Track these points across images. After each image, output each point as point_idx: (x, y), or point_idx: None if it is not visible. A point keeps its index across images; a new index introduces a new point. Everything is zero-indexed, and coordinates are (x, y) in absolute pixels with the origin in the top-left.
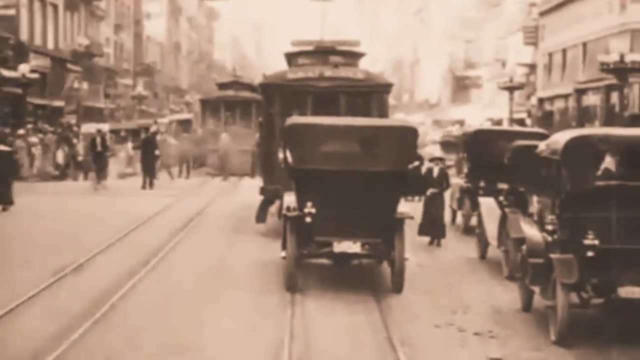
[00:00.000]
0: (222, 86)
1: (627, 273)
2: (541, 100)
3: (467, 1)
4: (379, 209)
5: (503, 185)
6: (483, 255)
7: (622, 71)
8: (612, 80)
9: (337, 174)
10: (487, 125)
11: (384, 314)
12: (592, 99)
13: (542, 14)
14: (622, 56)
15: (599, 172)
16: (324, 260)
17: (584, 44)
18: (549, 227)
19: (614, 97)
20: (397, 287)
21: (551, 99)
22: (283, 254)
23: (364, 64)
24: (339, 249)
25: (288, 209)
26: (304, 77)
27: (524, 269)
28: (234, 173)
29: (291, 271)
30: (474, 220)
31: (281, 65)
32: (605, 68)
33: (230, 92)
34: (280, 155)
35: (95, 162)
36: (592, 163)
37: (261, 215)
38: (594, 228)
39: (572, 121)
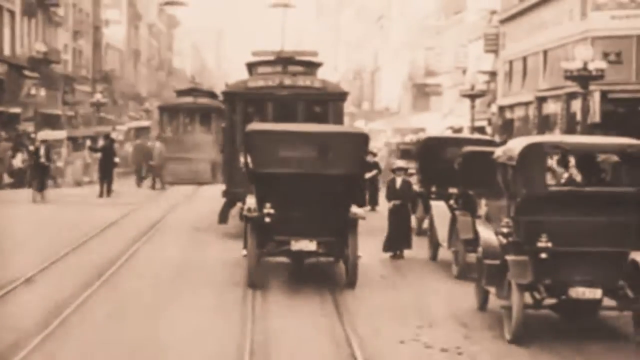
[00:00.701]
0: (180, 93)
1: (578, 275)
2: (502, 108)
3: (428, 9)
4: (333, 210)
5: (453, 190)
6: (434, 257)
7: (585, 78)
8: (573, 88)
9: (294, 177)
10: (439, 133)
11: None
12: (552, 107)
13: (503, 21)
14: (585, 63)
15: (564, 180)
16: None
17: (545, 52)
18: (504, 230)
19: (575, 105)
20: (351, 283)
21: (512, 106)
22: (244, 252)
23: (324, 71)
24: (296, 247)
25: (249, 210)
26: (264, 86)
27: (480, 270)
28: (193, 181)
29: (252, 268)
30: (427, 224)
31: (242, 73)
32: (568, 75)
33: (188, 99)
34: (242, 159)
35: (36, 173)
36: (546, 169)
37: (223, 217)
38: (547, 231)
39: (533, 129)
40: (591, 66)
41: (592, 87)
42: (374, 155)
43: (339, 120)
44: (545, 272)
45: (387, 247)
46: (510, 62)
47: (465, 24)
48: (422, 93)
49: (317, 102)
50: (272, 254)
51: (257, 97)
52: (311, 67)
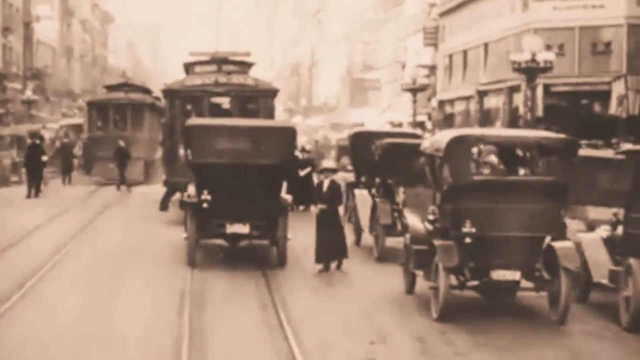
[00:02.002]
0: (111, 88)
1: (499, 258)
2: (442, 103)
3: (366, 2)
4: (264, 196)
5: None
6: (358, 242)
7: (533, 71)
8: (516, 81)
9: (229, 167)
10: (377, 128)
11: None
12: (494, 101)
13: (442, 14)
14: (533, 55)
15: (487, 170)
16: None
17: (486, 45)
18: (430, 217)
19: (517, 98)
20: (281, 262)
21: (452, 101)
22: (185, 235)
23: (260, 67)
24: (231, 230)
25: (188, 196)
26: (201, 84)
27: (408, 255)
28: (123, 181)
29: (192, 249)
30: None
31: (178, 68)
32: (516, 67)
33: (119, 94)
34: (181, 152)
35: None
36: (471, 159)
37: (164, 205)
38: (471, 217)
39: (474, 124)
40: (539, 57)
41: (536, 80)
42: (308, 152)
43: (270, 115)
44: (470, 256)
45: (319, 258)
46: (450, 56)
47: (404, 18)
48: (361, 88)
49: (250, 99)
50: (210, 236)
51: (194, 94)
52: (244, 66)
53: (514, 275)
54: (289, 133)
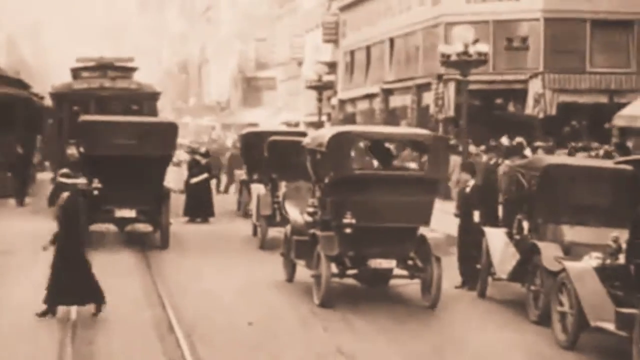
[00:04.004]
0: None
1: (376, 247)
2: (343, 102)
3: None
4: (149, 185)
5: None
6: (255, 232)
7: (465, 64)
8: (424, 79)
9: (117, 158)
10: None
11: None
12: (400, 100)
13: (343, 9)
14: (466, 46)
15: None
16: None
17: (391, 40)
18: (310, 209)
19: (427, 97)
20: (164, 244)
21: (354, 100)
22: None
23: (148, 65)
24: (119, 215)
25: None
26: (87, 88)
27: (288, 245)
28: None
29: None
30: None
31: (64, 69)
32: (445, 61)
33: None
34: (68, 151)
35: None
36: (351, 154)
37: (52, 200)
38: (351, 209)
39: (380, 124)
40: (472, 49)
41: (446, 78)
42: (204, 155)
43: (152, 115)
44: (350, 245)
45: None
46: (352, 52)
47: (301, 13)
48: (254, 87)
49: (133, 101)
50: (100, 221)
51: (81, 97)
52: (128, 71)
53: (390, 263)
54: (171, 128)
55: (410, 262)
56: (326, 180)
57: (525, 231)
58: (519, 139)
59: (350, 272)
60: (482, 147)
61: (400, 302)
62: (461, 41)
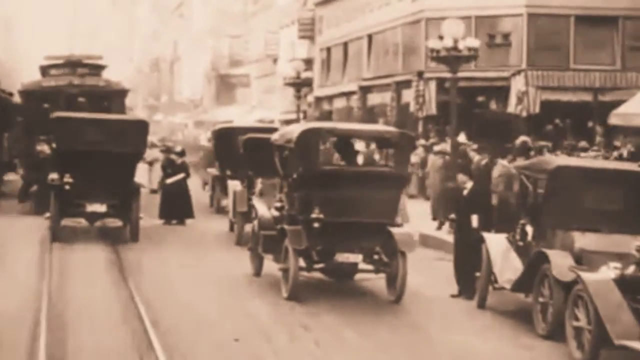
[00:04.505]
0: None
1: (343, 242)
2: (319, 100)
3: None
4: (119, 180)
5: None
6: (231, 228)
7: (455, 60)
8: (404, 76)
9: (88, 154)
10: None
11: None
12: (379, 98)
13: (319, 4)
14: (456, 41)
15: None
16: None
17: (370, 37)
18: (278, 204)
19: (407, 95)
20: (134, 237)
21: (330, 98)
22: (47, 214)
23: (119, 63)
24: (90, 209)
25: (52, 180)
26: (56, 85)
27: (256, 240)
28: None
29: (55, 226)
30: (224, 202)
31: (34, 67)
32: (434, 56)
33: None
34: (38, 147)
35: None
36: (320, 150)
37: (22, 196)
38: (319, 204)
39: (357, 122)
40: (462, 45)
41: (426, 75)
42: (180, 155)
43: (121, 112)
44: (317, 240)
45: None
46: (329, 49)
47: (276, 9)
48: (227, 84)
49: (102, 98)
50: (71, 215)
51: (51, 94)
52: (97, 68)
53: (357, 258)
54: (141, 125)
55: (376, 257)
56: (294, 176)
57: (529, 237)
58: (523, 138)
59: (318, 266)
60: (475, 146)
61: (365, 297)
62: (450, 36)
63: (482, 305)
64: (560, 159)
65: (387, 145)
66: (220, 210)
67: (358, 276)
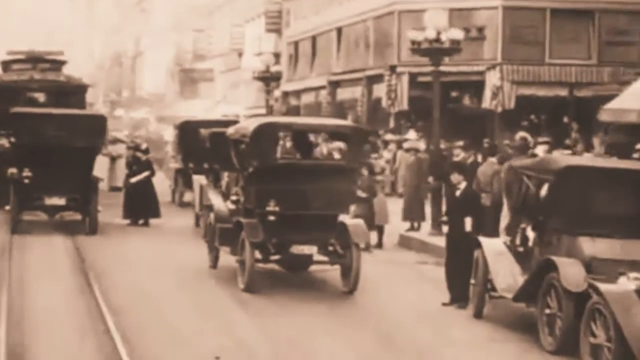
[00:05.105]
0: None
1: (298, 234)
2: (286, 94)
3: None
4: (77, 174)
5: (206, 165)
6: (197, 223)
7: (438, 52)
8: (375, 70)
9: (47, 148)
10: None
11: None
12: (349, 92)
13: None
14: (439, 33)
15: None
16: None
17: (339, 30)
18: (234, 198)
19: (379, 89)
20: (92, 230)
21: (298, 92)
22: (8, 207)
23: (80, 59)
24: (49, 202)
25: (11, 174)
26: (17, 80)
27: (212, 233)
28: None
29: (15, 219)
30: (187, 197)
31: None
32: (416, 48)
33: None
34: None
35: None
36: (275, 144)
37: None
38: (275, 197)
39: (326, 117)
40: (444, 36)
41: (399, 70)
42: (144, 152)
43: (81, 108)
44: (273, 232)
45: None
46: (296, 43)
47: (241, 2)
48: (191, 79)
49: (62, 94)
50: (31, 208)
51: (11, 89)
52: (57, 64)
53: (311, 249)
54: (99, 120)
55: (330, 249)
56: (250, 170)
57: (531, 243)
58: (522, 135)
59: (273, 258)
60: (460, 143)
61: (320, 288)
62: (433, 27)
63: (479, 315)
64: (569, 159)
65: (342, 138)
66: (183, 205)
67: (313, 267)
